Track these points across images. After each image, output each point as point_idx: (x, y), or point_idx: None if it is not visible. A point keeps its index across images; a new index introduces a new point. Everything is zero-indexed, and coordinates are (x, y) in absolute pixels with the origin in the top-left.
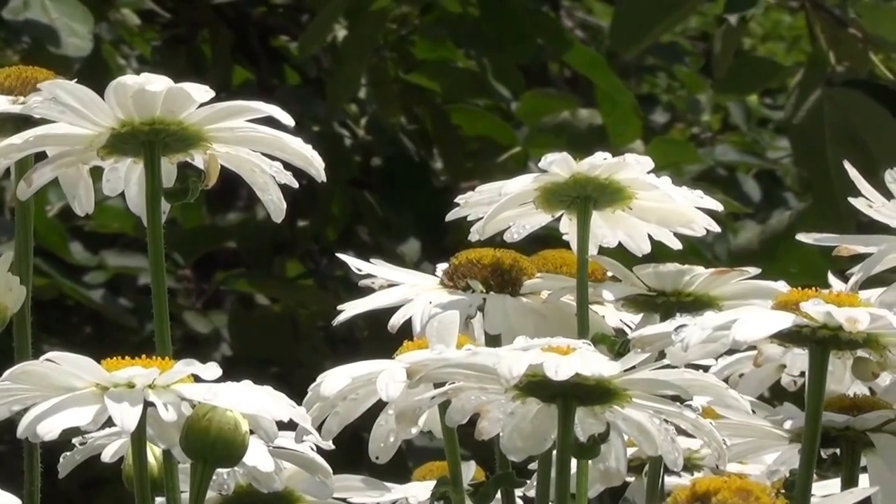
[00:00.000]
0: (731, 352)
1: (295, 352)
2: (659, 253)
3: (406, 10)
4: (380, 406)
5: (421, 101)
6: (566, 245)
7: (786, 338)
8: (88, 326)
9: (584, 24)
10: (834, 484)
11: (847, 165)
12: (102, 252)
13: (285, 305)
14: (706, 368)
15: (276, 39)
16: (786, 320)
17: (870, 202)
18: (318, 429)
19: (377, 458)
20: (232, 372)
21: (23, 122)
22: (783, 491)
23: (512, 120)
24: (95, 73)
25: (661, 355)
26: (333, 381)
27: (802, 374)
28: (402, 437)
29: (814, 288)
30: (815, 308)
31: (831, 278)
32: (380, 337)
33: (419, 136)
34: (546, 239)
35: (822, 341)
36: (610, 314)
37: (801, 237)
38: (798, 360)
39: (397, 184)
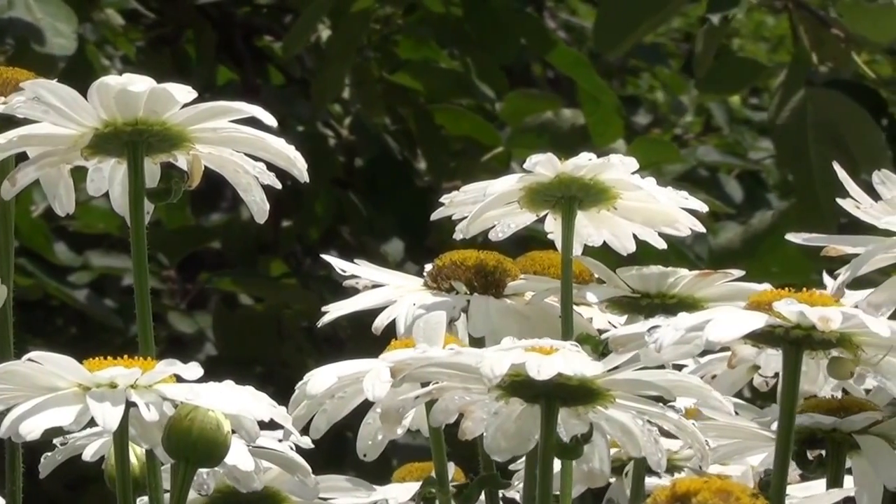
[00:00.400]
0: (704, 352)
1: (279, 351)
2: (641, 253)
3: (389, 10)
4: (366, 405)
5: (404, 101)
6: (549, 246)
7: (759, 338)
8: (73, 327)
9: (567, 24)
10: (817, 485)
11: (836, 167)
12: (87, 252)
13: (269, 305)
14: (679, 369)
15: (260, 40)
16: (759, 320)
17: (857, 203)
18: (306, 427)
19: (365, 455)
20: (217, 372)
21: (5, 122)
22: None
23: (495, 120)
24: (79, 74)
25: None
26: (321, 379)
27: (776, 374)
28: (389, 437)
29: (787, 288)
30: (788, 308)
31: (826, 278)
32: (363, 336)
33: (403, 136)
34: (528, 240)
35: (795, 341)
36: (597, 316)
37: (790, 237)
38: (772, 360)
39: (381, 184)
